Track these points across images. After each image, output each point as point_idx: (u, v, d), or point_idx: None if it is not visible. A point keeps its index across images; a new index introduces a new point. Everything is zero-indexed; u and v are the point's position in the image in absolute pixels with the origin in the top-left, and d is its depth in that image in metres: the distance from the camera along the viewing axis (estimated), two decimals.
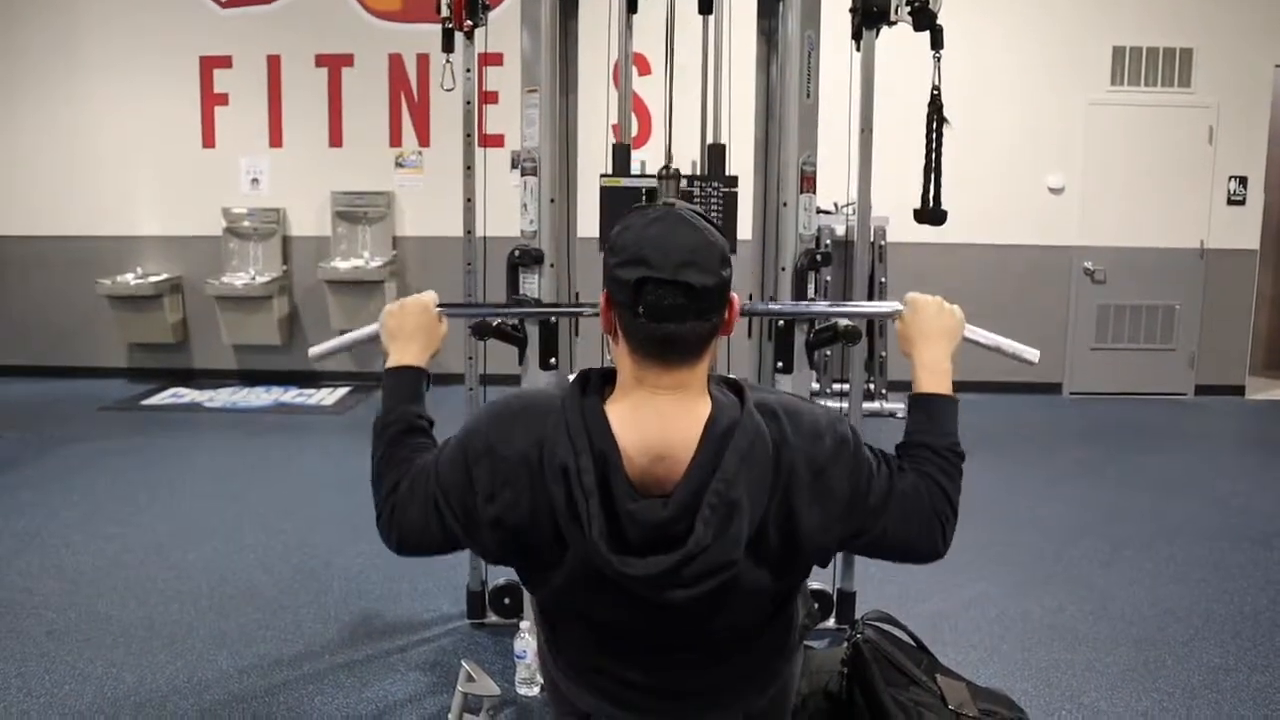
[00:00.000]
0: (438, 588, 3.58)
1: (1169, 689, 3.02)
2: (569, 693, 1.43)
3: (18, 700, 2.90)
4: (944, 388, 1.57)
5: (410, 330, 1.69)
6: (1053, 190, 7.09)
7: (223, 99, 7.20)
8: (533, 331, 2.93)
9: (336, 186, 7.15)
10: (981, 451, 5.24)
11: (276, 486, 4.96)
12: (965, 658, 3.15)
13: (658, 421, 1.27)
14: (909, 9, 2.96)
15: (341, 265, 7.01)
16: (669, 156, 3.31)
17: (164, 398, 6.92)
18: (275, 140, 7.24)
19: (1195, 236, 7.10)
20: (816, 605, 1.84)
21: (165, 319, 7.23)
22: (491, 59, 3.93)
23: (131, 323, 7.23)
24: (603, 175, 3.09)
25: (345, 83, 7.16)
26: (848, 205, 4.22)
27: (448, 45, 3.24)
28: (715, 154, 3.29)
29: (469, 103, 3.27)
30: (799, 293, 2.94)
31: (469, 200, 3.32)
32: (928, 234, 3.44)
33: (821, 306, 2.93)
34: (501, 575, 3.33)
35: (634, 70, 3.83)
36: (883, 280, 6.55)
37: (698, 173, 3.36)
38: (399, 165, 7.22)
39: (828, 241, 6.00)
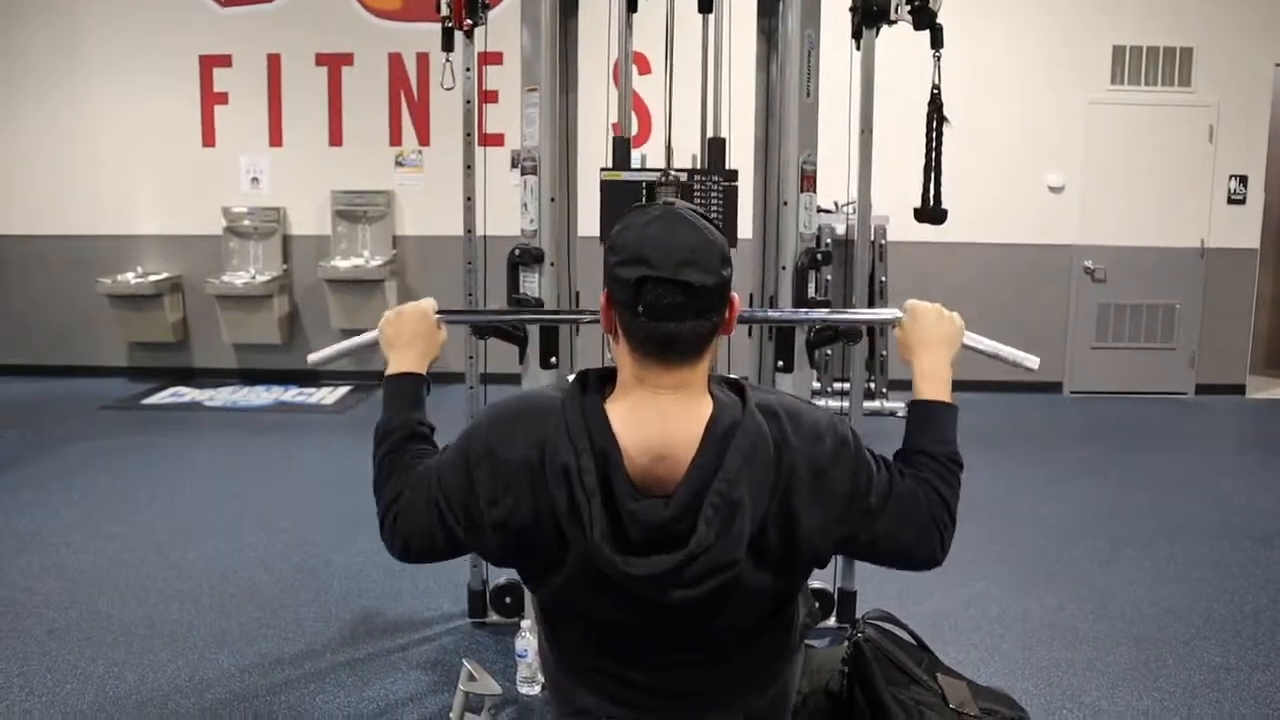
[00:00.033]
0: (439, 586, 3.59)
1: (1170, 688, 3.02)
2: (569, 692, 1.43)
3: (20, 699, 2.90)
4: (943, 395, 1.57)
5: (409, 337, 1.68)
6: (1053, 189, 7.09)
7: (222, 98, 7.20)
8: (533, 331, 2.93)
9: (336, 185, 7.15)
10: (982, 450, 5.30)
11: (277, 485, 4.96)
12: (966, 657, 3.16)
13: (659, 421, 1.27)
14: (909, 8, 2.96)
15: (341, 264, 7.01)
16: (669, 155, 3.32)
17: (164, 397, 6.93)
18: (275, 139, 7.24)
19: (1195, 235, 7.10)
20: (817, 604, 1.84)
21: (165, 318, 7.23)
22: (491, 58, 3.93)
23: (132, 322, 7.23)
24: (603, 169, 3.09)
25: (345, 82, 7.16)
26: (848, 204, 4.22)
27: (448, 44, 3.24)
28: (715, 148, 3.29)
29: (469, 102, 3.27)
30: (799, 291, 2.94)
31: (469, 199, 3.32)
32: (928, 233, 3.44)
33: (821, 314, 2.93)
34: (502, 574, 3.34)
35: (634, 69, 3.82)
36: (883, 279, 6.55)
37: (698, 167, 3.36)
38: (399, 164, 7.22)
39: (828, 240, 6.00)
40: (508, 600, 3.32)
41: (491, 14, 3.39)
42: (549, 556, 1.31)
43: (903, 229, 5.71)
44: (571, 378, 1.35)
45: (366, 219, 7.20)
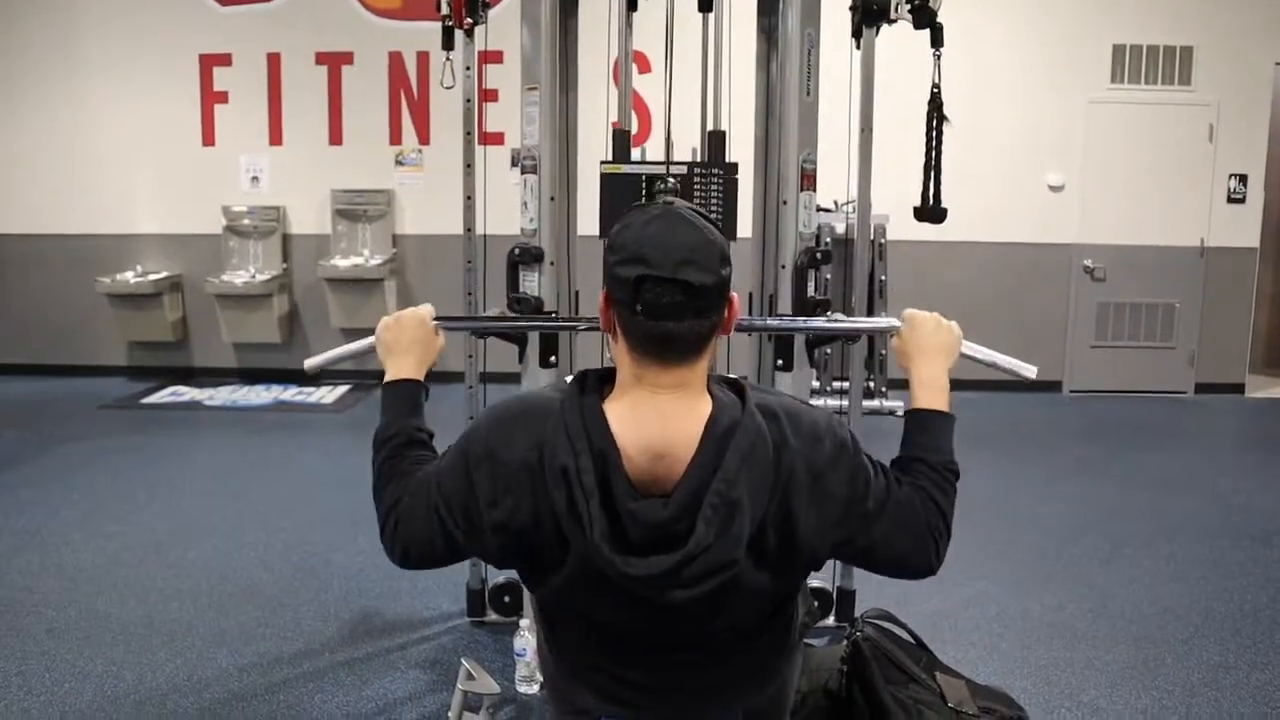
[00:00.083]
0: (437, 585, 3.59)
1: (1169, 687, 3.02)
2: (568, 691, 1.43)
3: (18, 698, 2.90)
4: (941, 404, 1.56)
5: (407, 343, 1.68)
6: (1053, 188, 7.09)
7: (222, 97, 7.20)
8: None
9: (336, 184, 7.15)
10: (981, 449, 5.30)
11: (276, 485, 4.96)
12: (965, 655, 3.16)
13: (657, 420, 1.27)
14: (909, 7, 2.96)
15: (341, 263, 7.01)
16: (669, 149, 3.31)
17: (164, 396, 6.92)
18: (275, 138, 7.23)
19: (1195, 234, 7.10)
20: (816, 603, 1.84)
21: (165, 317, 7.23)
22: (491, 57, 3.94)
23: (131, 321, 7.23)
24: (603, 162, 3.09)
25: (345, 81, 7.16)
26: (848, 203, 4.23)
27: (448, 43, 3.24)
28: (715, 141, 3.29)
29: (469, 100, 3.27)
30: (799, 291, 2.94)
31: (469, 198, 3.32)
32: (928, 232, 3.44)
33: (819, 323, 2.93)
34: (501, 574, 3.33)
35: (634, 68, 3.82)
36: (883, 278, 6.55)
37: (697, 160, 3.36)
38: (399, 163, 7.22)
39: (828, 239, 6.00)
40: (506, 599, 3.32)
41: (492, 13, 3.39)
42: (549, 557, 1.30)
43: (902, 228, 5.71)
44: (571, 378, 1.35)
45: (366, 218, 7.19)
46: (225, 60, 7.16)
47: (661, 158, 3.33)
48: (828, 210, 5.84)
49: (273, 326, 7.14)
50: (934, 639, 1.94)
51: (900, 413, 5.79)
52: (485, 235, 3.30)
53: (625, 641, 1.36)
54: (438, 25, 3.23)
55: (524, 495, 1.29)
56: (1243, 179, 7.07)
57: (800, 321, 2.90)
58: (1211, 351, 7.22)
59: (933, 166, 2.99)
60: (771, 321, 3.02)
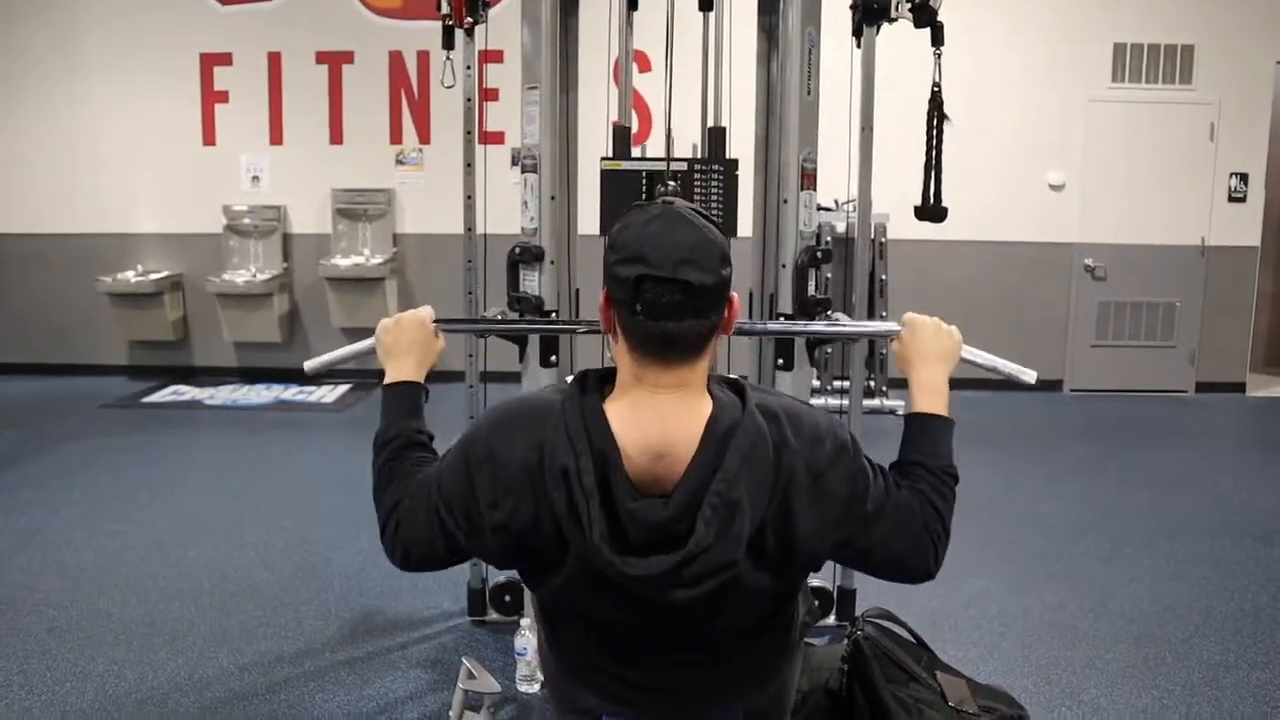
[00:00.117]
0: (438, 585, 3.59)
1: (1169, 686, 3.02)
2: (569, 690, 1.43)
3: (19, 698, 2.90)
4: (940, 409, 1.56)
5: (406, 346, 1.68)
6: (1053, 187, 7.08)
7: (223, 96, 7.20)
8: None
9: (337, 184, 7.15)
10: (982, 448, 5.30)
11: (277, 484, 4.97)
12: (965, 655, 3.16)
13: (658, 420, 1.27)
14: (909, 6, 2.96)
15: (342, 262, 7.01)
16: (669, 147, 3.31)
17: (164, 395, 6.93)
18: (276, 137, 7.23)
19: (1196, 233, 7.10)
20: (817, 602, 1.84)
21: (166, 316, 7.23)
22: (492, 56, 3.94)
23: (132, 320, 7.23)
24: (603, 159, 3.09)
25: (346, 80, 7.16)
26: (848, 202, 4.22)
27: (448, 42, 3.24)
28: (716, 137, 3.29)
29: (469, 100, 3.27)
30: (799, 290, 2.94)
31: (469, 197, 3.32)
32: (928, 231, 3.44)
33: (819, 327, 2.93)
34: (502, 573, 3.33)
35: (634, 67, 3.82)
36: (883, 277, 6.54)
37: (698, 156, 3.36)
38: (399, 162, 7.22)
39: (828, 238, 5.99)
40: (507, 599, 3.31)
41: (492, 12, 3.39)
42: (549, 558, 1.30)
43: (903, 227, 5.69)
44: (571, 378, 1.35)
45: (367, 217, 7.19)
46: (226, 60, 7.16)
47: (661, 155, 3.33)
48: (828, 209, 5.83)
49: (273, 326, 7.15)
50: (934, 638, 1.94)
51: (900, 412, 5.79)
52: (486, 234, 3.30)
53: (625, 641, 1.36)
54: (438, 24, 3.23)
55: (524, 496, 1.29)
56: (1243, 178, 7.07)
57: (801, 325, 2.90)
58: (1212, 350, 7.22)
59: (933, 165, 2.99)
60: (772, 325, 3.02)
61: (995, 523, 4.36)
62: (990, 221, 6.95)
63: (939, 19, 2.93)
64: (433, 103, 7.11)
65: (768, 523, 1.27)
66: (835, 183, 3.42)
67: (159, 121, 7.20)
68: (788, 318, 2.98)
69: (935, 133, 2.97)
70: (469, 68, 3.25)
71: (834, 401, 5.55)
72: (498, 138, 6.46)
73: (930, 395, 1.58)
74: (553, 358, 2.96)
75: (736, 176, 3.07)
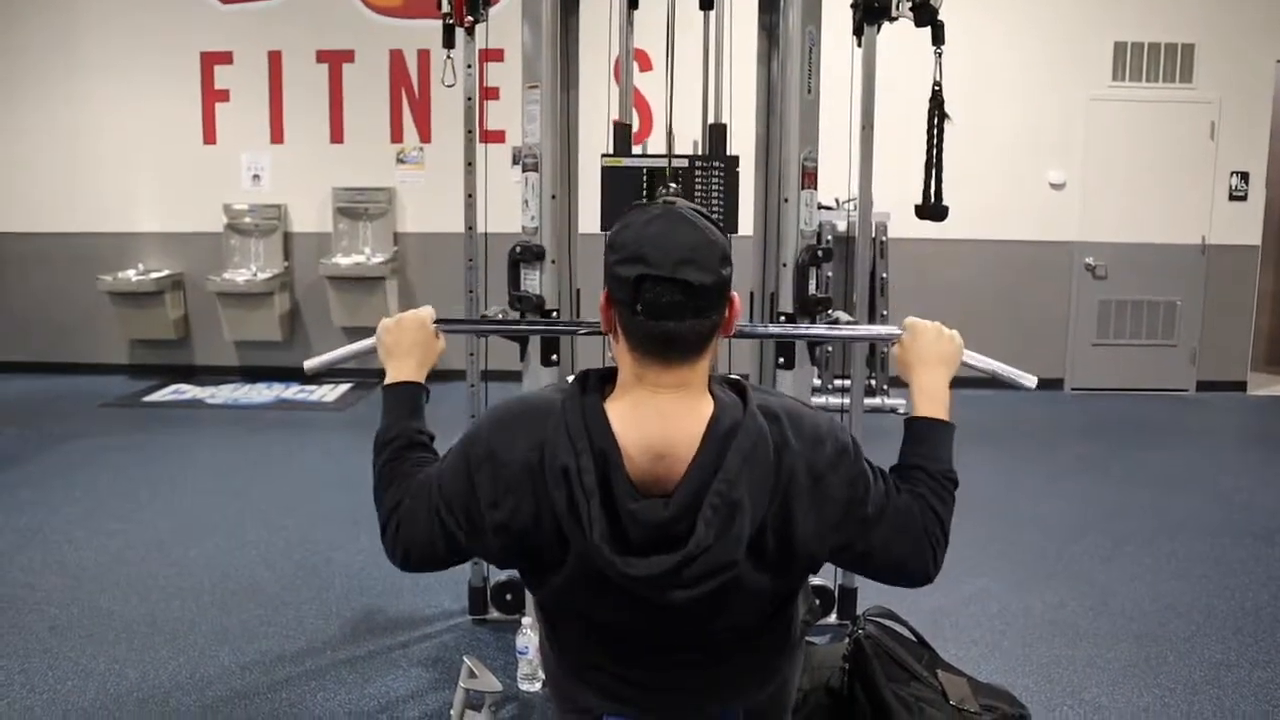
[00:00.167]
0: (439, 583, 3.59)
1: (1170, 685, 3.02)
2: (570, 689, 1.44)
3: (21, 696, 2.90)
4: (941, 413, 1.56)
5: (407, 346, 1.67)
6: (1054, 186, 7.08)
7: (223, 95, 7.20)
8: None
9: (337, 182, 7.15)
10: (983, 447, 5.30)
11: (278, 483, 4.97)
12: (966, 653, 3.16)
13: (658, 420, 1.27)
14: (910, 5, 2.96)
15: (343, 261, 7.01)
16: (670, 144, 3.32)
17: (165, 394, 6.93)
18: (276, 136, 7.23)
19: (1197, 232, 7.10)
20: (818, 601, 1.84)
21: (166, 315, 7.24)
22: (492, 55, 3.93)
23: (133, 319, 7.23)
24: (604, 155, 3.09)
25: (346, 78, 7.16)
26: (849, 201, 4.22)
27: (448, 41, 3.24)
28: (717, 134, 3.29)
29: (470, 99, 3.27)
30: (800, 289, 2.94)
31: (470, 196, 3.32)
32: (929, 229, 3.44)
33: (820, 330, 2.92)
34: (503, 572, 3.33)
35: (635, 66, 3.82)
36: (884, 276, 6.55)
37: (698, 153, 3.36)
38: (400, 161, 7.22)
39: (829, 237, 6.00)
40: (508, 597, 3.31)
41: (492, 11, 3.39)
42: (549, 557, 1.30)
43: (904, 226, 5.72)
44: (572, 378, 1.35)
45: (367, 216, 7.19)
46: (226, 58, 7.16)
47: (662, 153, 3.33)
48: (829, 208, 5.84)
49: (274, 325, 7.15)
50: (935, 637, 1.94)
51: (901, 411, 5.77)
52: (486, 233, 3.30)
53: (626, 641, 1.36)
54: (439, 23, 3.23)
55: (525, 496, 1.29)
56: (1244, 176, 7.07)
57: (802, 328, 2.90)
58: (1213, 349, 7.22)
59: (934, 164, 2.99)
60: (773, 328, 3.02)
61: (996, 521, 4.36)
62: (991, 220, 6.95)
63: (939, 18, 2.93)
64: (433, 101, 7.11)
65: (768, 524, 1.27)
66: (836, 181, 3.42)
67: (159, 120, 7.20)
68: (788, 316, 2.98)
69: (936, 131, 2.97)
70: (469, 66, 3.25)
71: (835, 400, 5.57)
72: (498, 136, 6.46)
73: (931, 400, 1.57)
74: (554, 357, 2.96)
75: (737, 173, 3.07)
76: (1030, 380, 1.85)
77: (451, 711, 2.60)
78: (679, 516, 1.21)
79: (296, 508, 4.53)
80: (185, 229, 7.32)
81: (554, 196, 3.00)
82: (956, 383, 1.61)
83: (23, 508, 4.52)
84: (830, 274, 5.98)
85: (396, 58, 7.12)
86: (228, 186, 7.23)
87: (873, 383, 6.39)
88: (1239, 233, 7.14)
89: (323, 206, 7.24)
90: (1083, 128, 6.99)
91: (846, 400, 3.36)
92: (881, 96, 3.14)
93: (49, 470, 5.13)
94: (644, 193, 3.02)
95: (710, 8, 3.41)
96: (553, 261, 2.98)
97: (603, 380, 1.33)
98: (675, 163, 3.05)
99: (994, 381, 1.86)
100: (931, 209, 3.02)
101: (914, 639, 1.79)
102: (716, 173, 3.06)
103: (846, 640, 1.76)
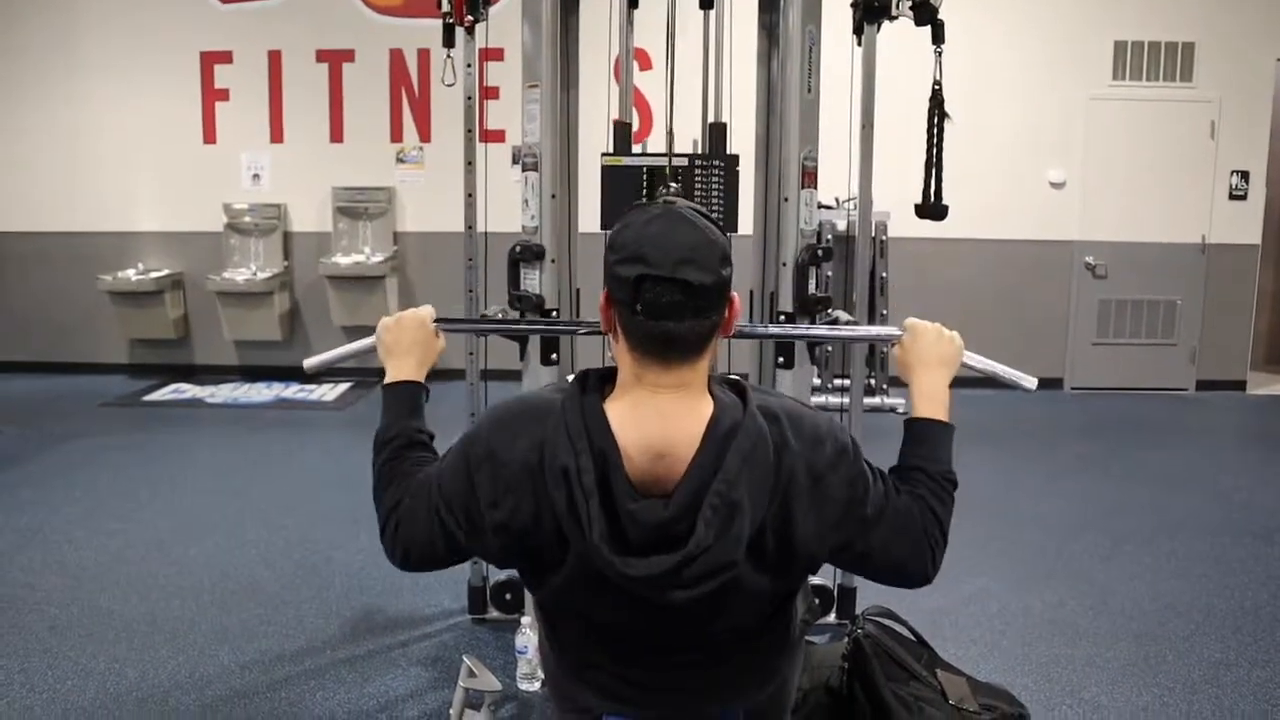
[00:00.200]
0: (439, 583, 3.59)
1: (1170, 684, 3.02)
2: (570, 689, 1.44)
3: (21, 696, 2.90)
4: (941, 415, 1.56)
5: (407, 345, 1.67)
6: (1054, 185, 7.08)
7: (223, 94, 7.20)
8: None
9: (337, 182, 7.15)
10: (982, 446, 5.30)
11: (278, 482, 4.97)
12: (966, 653, 3.16)
13: (658, 420, 1.27)
14: (910, 4, 2.96)
15: (342, 261, 7.01)
16: (670, 144, 3.32)
17: (165, 393, 6.93)
18: (276, 136, 7.23)
19: (1197, 231, 7.10)
20: (817, 601, 1.84)
21: (166, 315, 7.24)
22: (492, 54, 3.93)
23: (133, 319, 7.23)
24: (604, 154, 3.08)
25: (346, 78, 7.16)
26: (849, 200, 4.22)
27: (448, 40, 3.24)
28: (717, 132, 3.29)
29: (470, 98, 3.26)
30: (800, 288, 2.95)
31: (470, 196, 3.32)
32: (929, 229, 3.44)
33: (821, 331, 2.92)
34: (503, 571, 3.33)
35: (635, 65, 3.82)
36: (884, 275, 6.55)
37: (698, 152, 3.36)
38: (400, 161, 7.22)
39: (829, 236, 6.00)
40: (508, 597, 3.32)
41: (492, 10, 3.39)
42: (549, 557, 1.30)
43: (904, 225, 5.72)
44: (572, 377, 1.35)
45: (367, 215, 7.19)
46: (226, 58, 7.16)
47: (662, 152, 3.34)
48: (829, 207, 5.84)
49: (274, 324, 7.15)
50: (935, 636, 1.95)
51: (901, 411, 5.76)
52: (486, 233, 3.30)
53: (625, 641, 1.36)
54: (439, 22, 3.23)
55: (525, 496, 1.29)
56: (1244, 176, 7.07)
57: (802, 329, 2.90)
58: (1213, 348, 7.22)
59: (934, 163, 2.99)
60: (773, 329, 3.02)
61: (996, 521, 4.36)
62: (991, 219, 6.95)
63: (939, 17, 2.93)
64: (433, 101, 7.11)
65: (767, 524, 1.27)
66: (836, 181, 3.43)
67: (159, 120, 7.20)
68: (788, 316, 2.98)
69: (936, 131, 2.97)
70: (469, 66, 3.24)
71: (834, 400, 5.57)
72: (498, 136, 6.46)
73: (931, 401, 1.57)
74: (553, 356, 2.96)
75: (737, 172, 3.07)
76: (1030, 382, 1.85)
77: (451, 711, 2.60)
78: (678, 517, 1.21)
79: (296, 507, 4.53)
80: (185, 228, 7.32)
81: (554, 196, 3.00)
82: (956, 383, 1.61)
83: (23, 507, 4.52)
84: (830, 273, 5.98)
85: (396, 57, 7.12)
86: (227, 186, 7.23)
87: (872, 382, 6.40)
88: (1239, 232, 7.14)
89: (322, 206, 7.24)
90: (1083, 127, 6.98)
91: (846, 400, 3.36)
92: (881, 96, 3.14)
93: (49, 470, 5.13)
94: (644, 192, 3.02)
95: (710, 7, 3.41)
96: (553, 261, 2.98)
97: (602, 380, 1.33)
98: (675, 162, 3.05)
99: (994, 381, 1.86)
100: (931, 208, 3.02)
101: (913, 638, 1.79)
102: (716, 172, 3.06)
103: (846, 640, 1.76)
